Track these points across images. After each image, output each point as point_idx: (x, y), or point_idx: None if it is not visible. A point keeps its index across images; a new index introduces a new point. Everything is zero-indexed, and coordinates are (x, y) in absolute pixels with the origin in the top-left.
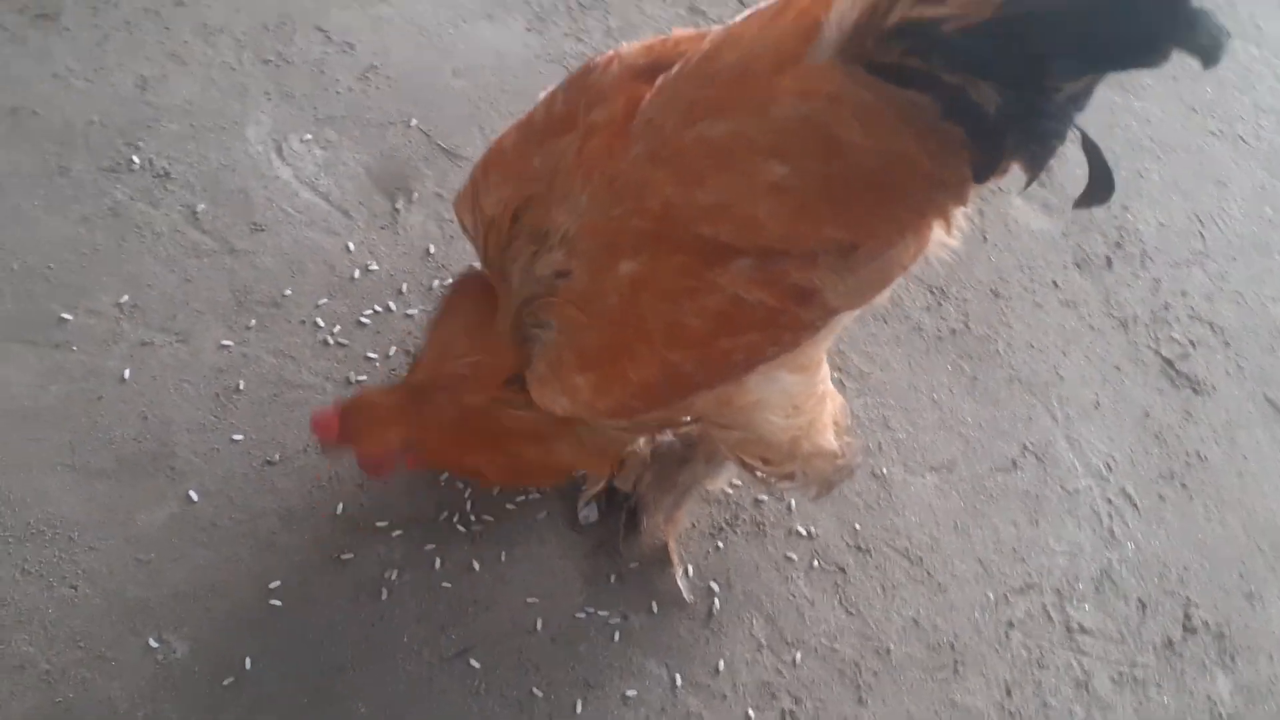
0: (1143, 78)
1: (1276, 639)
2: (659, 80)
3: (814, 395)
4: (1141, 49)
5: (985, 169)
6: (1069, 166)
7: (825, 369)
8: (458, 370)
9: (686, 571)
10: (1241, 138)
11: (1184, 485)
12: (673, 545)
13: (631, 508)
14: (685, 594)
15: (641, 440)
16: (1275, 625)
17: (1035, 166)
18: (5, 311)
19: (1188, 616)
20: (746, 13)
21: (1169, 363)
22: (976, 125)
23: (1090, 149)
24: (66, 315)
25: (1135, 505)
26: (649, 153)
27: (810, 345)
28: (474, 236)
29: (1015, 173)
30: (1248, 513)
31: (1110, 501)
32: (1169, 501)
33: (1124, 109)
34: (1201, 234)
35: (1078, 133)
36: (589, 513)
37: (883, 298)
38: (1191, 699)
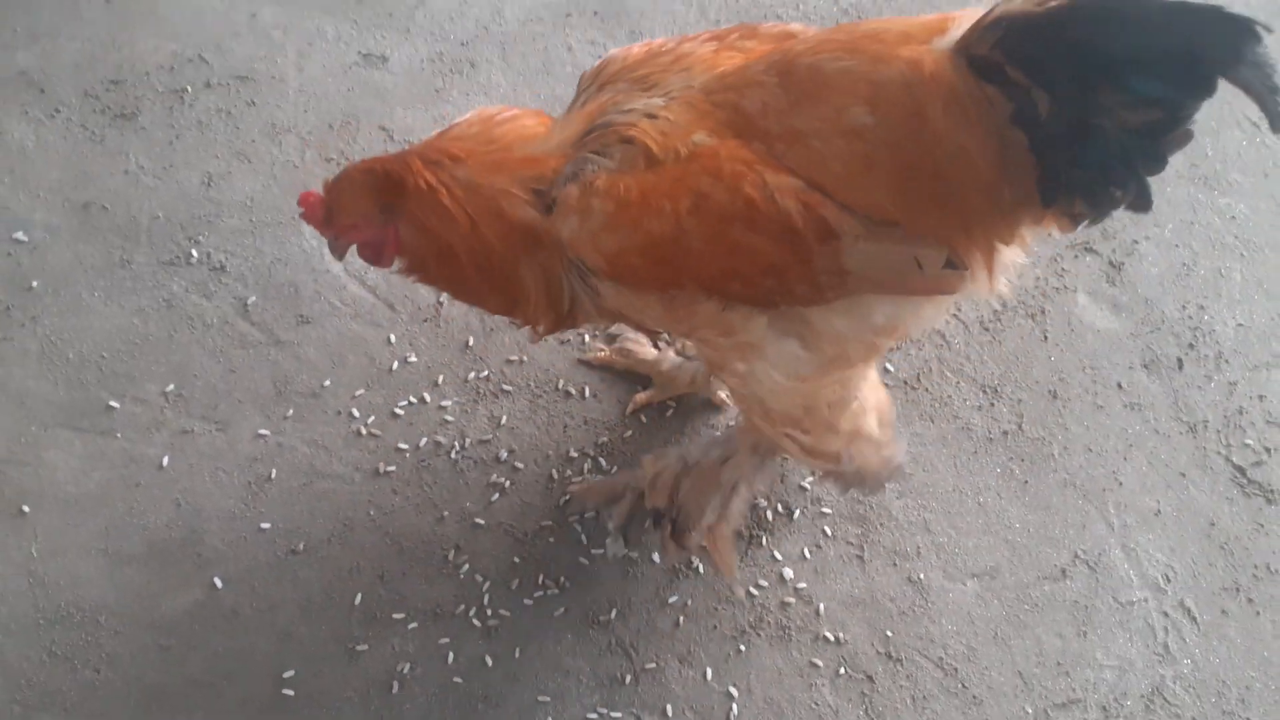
0: (1231, 173)
1: None
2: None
3: (829, 375)
4: (1184, 70)
5: (1047, 191)
6: (1143, 264)
7: (864, 373)
8: (490, 152)
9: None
10: None
11: (1250, 600)
12: (725, 547)
13: (674, 520)
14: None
15: (672, 456)
16: None
17: (1095, 204)
18: (58, 398)
19: None
20: None
21: (1240, 470)
22: (1035, 134)
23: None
24: (114, 403)
25: (1195, 619)
26: (769, 63)
27: (821, 321)
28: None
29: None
30: None
31: (1167, 615)
32: (1233, 616)
33: (1207, 205)
34: None
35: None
36: (616, 547)
37: (893, 329)
38: None
